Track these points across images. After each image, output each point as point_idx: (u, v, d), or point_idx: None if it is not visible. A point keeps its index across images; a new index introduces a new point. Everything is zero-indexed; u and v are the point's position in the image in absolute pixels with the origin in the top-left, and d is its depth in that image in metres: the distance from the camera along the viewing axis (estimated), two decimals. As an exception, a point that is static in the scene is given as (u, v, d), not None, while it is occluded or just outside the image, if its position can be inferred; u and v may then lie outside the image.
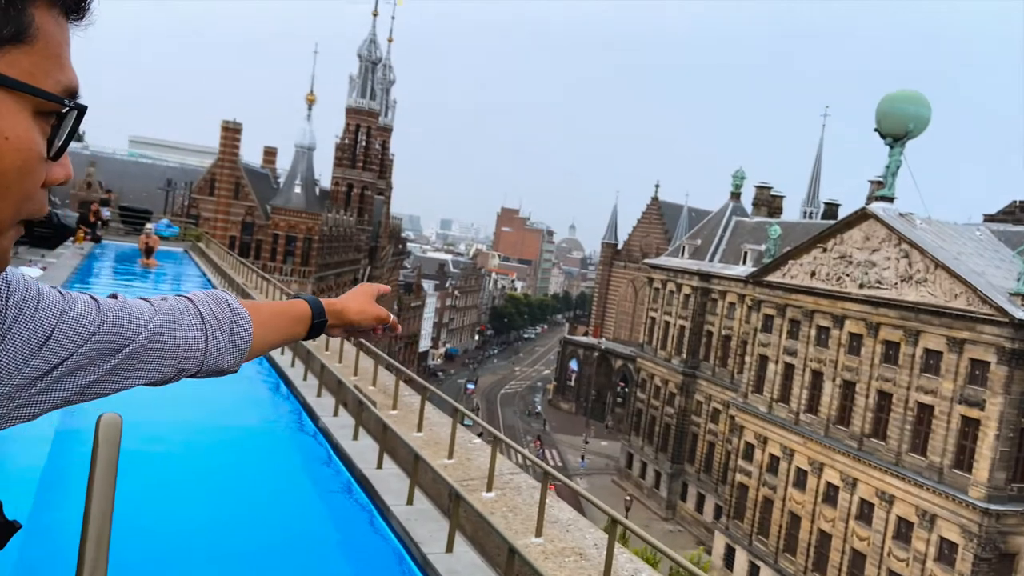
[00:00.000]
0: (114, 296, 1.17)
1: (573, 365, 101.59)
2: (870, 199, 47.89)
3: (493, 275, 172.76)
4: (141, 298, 1.22)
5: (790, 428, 48.64)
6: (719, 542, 54.55)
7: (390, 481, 9.15)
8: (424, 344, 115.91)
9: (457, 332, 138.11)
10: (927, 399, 40.00)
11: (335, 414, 11.67)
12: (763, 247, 57.60)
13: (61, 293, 1.07)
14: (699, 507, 62.81)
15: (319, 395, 12.63)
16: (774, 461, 49.91)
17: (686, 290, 66.10)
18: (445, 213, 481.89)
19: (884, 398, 42.72)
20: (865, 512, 42.81)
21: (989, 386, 37.02)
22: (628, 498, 64.11)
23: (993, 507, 36.17)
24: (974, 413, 37.59)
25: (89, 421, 1.42)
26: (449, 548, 7.41)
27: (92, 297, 1.12)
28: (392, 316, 1.64)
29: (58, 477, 7.95)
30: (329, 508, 9.51)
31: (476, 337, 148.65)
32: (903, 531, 40.37)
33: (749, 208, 69.99)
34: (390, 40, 78.71)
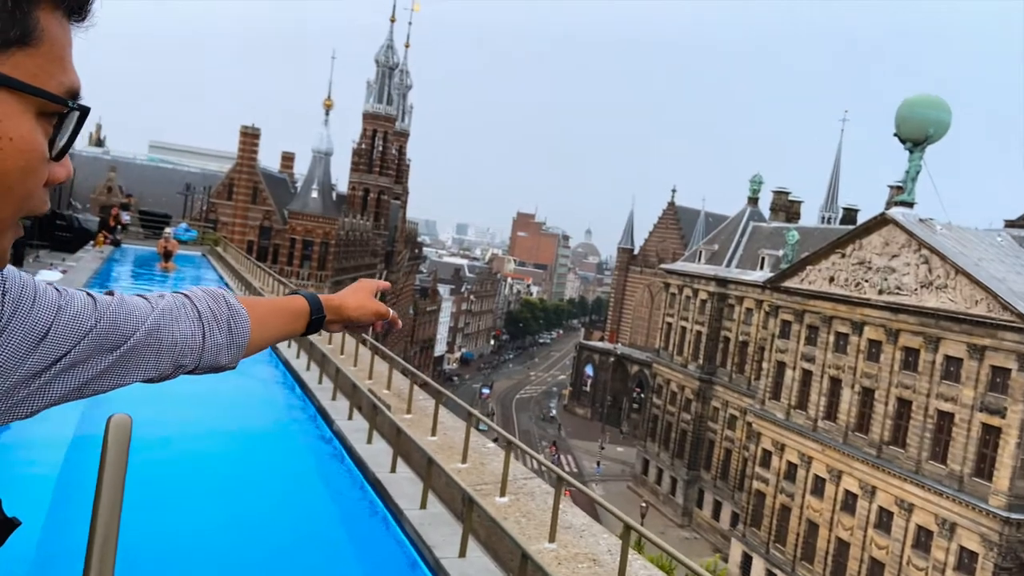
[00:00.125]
0: (110, 293, 1.17)
1: (589, 370, 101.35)
2: (890, 204, 47.51)
3: (509, 280, 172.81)
4: (138, 295, 1.22)
5: (808, 435, 48.24)
6: (736, 550, 54.15)
7: (403, 485, 9.16)
8: (439, 348, 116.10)
9: (472, 337, 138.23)
10: (947, 406, 39.55)
11: (349, 417, 11.71)
12: (781, 252, 57.27)
13: (57, 290, 1.07)
14: (716, 514, 62.40)
15: (334, 398, 12.69)
16: (792, 468, 49.51)
17: (703, 295, 65.79)
18: (461, 218, 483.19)
19: (903, 405, 42.28)
20: (884, 520, 42.35)
21: (1010, 393, 36.57)
22: (644, 504, 63.83)
23: (1014, 516, 35.69)
24: (995, 421, 37.13)
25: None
26: (462, 553, 7.41)
27: (88, 293, 1.11)
28: (392, 312, 1.63)
29: (76, 481, 8.03)
30: (342, 511, 9.54)
31: (491, 342, 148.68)
32: (922, 540, 39.90)
33: (767, 213, 69.60)
34: (407, 46, 79.18)
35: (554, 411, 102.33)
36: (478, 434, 10.46)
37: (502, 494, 8.52)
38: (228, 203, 64.10)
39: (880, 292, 44.09)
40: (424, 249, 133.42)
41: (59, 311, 1.04)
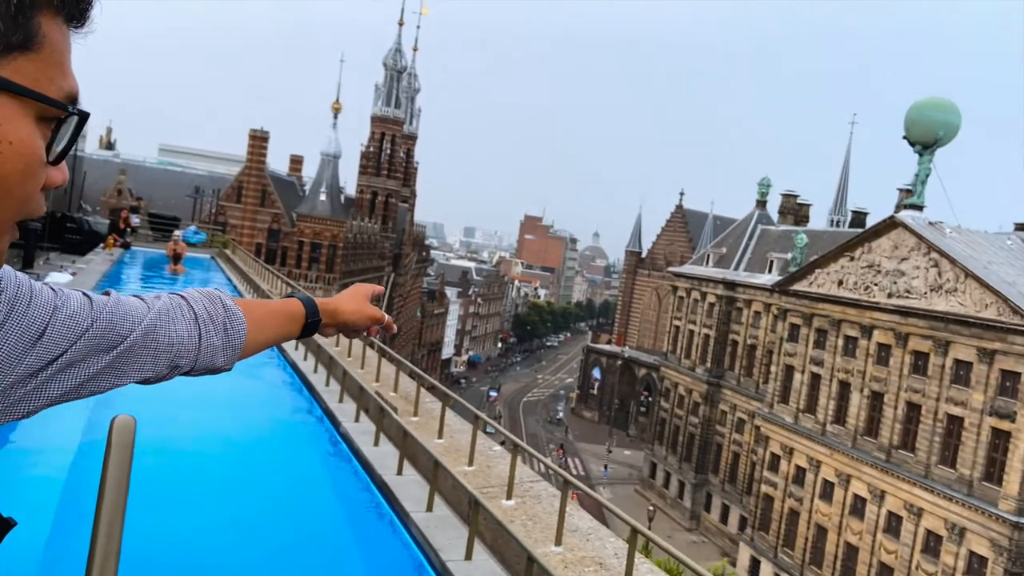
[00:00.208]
0: (107, 293, 1.17)
1: (596, 373, 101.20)
2: (899, 207, 47.29)
3: (516, 283, 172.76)
4: (134, 295, 1.23)
5: (816, 439, 48.03)
6: (744, 554, 53.94)
7: (410, 487, 9.16)
8: (447, 351, 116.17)
9: (480, 340, 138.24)
10: (957, 410, 39.32)
11: (356, 420, 11.72)
12: (789, 256, 57.08)
13: (53, 289, 1.07)
14: (723, 518, 62.18)
15: (341, 400, 12.71)
16: (800, 472, 49.30)
17: (711, 299, 65.64)
18: (468, 221, 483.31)
19: (913, 409, 42.06)
20: (893, 525, 42.12)
21: (1020, 398, 36.34)
22: (651, 508, 63.64)
23: (1025, 521, 35.48)
24: (1005, 425, 36.90)
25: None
26: (468, 556, 7.40)
27: (85, 294, 1.12)
28: (387, 316, 1.63)
29: (84, 484, 8.07)
30: (348, 513, 9.56)
31: (499, 345, 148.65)
32: (932, 545, 39.66)
33: (775, 216, 69.41)
34: (415, 49, 79.37)
35: (561, 414, 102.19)
36: (485, 437, 10.46)
37: (508, 497, 8.51)
38: (237, 206, 64.33)
39: (889, 295, 43.89)
40: (432, 252, 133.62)
41: (55, 311, 1.04)
